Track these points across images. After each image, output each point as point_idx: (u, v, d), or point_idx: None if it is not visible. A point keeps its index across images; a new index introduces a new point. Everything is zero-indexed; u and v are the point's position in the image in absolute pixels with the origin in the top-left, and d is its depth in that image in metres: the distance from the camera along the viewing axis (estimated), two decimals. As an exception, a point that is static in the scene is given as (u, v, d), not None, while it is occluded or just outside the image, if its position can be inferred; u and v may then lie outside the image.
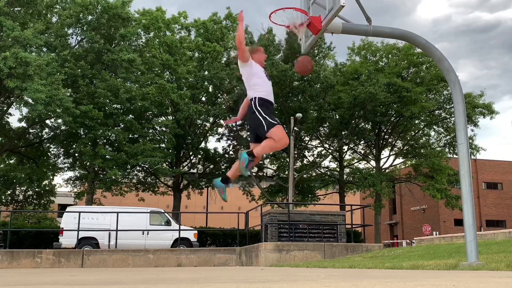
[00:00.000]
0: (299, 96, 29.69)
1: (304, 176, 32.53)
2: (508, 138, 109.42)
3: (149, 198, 31.82)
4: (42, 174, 27.79)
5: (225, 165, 31.96)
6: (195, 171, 32.05)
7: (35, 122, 27.24)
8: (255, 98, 5.15)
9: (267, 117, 5.02)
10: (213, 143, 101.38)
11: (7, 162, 28.26)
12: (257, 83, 5.21)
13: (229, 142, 31.89)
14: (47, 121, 27.98)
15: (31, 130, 28.71)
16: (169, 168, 29.53)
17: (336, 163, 36.06)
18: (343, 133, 32.41)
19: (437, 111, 32.97)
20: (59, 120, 26.52)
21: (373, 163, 34.68)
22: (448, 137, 33.61)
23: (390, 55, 33.81)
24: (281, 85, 28.41)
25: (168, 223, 20.01)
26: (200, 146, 31.36)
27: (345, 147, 35.25)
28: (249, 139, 5.48)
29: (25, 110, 25.86)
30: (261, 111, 5.06)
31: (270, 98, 5.22)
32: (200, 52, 31.37)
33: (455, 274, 4.34)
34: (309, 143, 34.21)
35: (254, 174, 31.17)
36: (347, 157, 36.54)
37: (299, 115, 26.78)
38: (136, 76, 27.60)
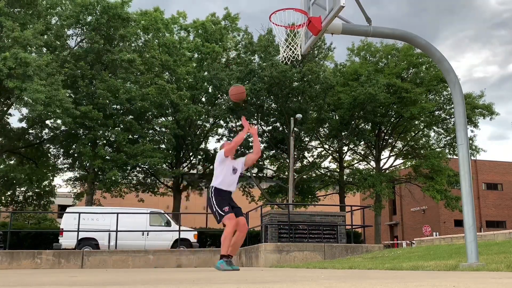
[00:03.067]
0: (299, 97, 29.70)
1: (304, 177, 32.52)
2: (508, 138, 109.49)
3: (149, 199, 31.81)
4: (42, 175, 27.76)
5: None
6: (195, 171, 32.04)
7: (35, 123, 27.23)
8: (213, 188, 6.01)
9: (219, 210, 5.89)
10: (213, 144, 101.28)
11: (7, 162, 28.25)
12: (219, 175, 6.07)
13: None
14: (47, 122, 27.98)
15: (31, 131, 28.68)
16: (169, 169, 29.53)
17: (336, 164, 36.06)
18: (343, 133, 32.41)
19: (437, 112, 32.97)
20: (59, 121, 26.50)
21: (373, 163, 34.68)
22: (448, 138, 33.60)
23: (389, 56, 33.81)
24: (281, 85, 28.41)
25: (168, 224, 20.00)
26: (200, 147, 31.36)
27: (345, 148, 35.26)
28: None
29: (25, 111, 25.89)
30: (215, 205, 5.93)
31: (230, 187, 6.06)
32: (199, 53, 31.38)
33: (455, 274, 4.35)
34: (309, 144, 34.22)
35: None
36: (347, 157, 36.57)
37: (299, 115, 26.79)
38: (136, 77, 27.60)
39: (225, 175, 6.03)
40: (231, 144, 6.06)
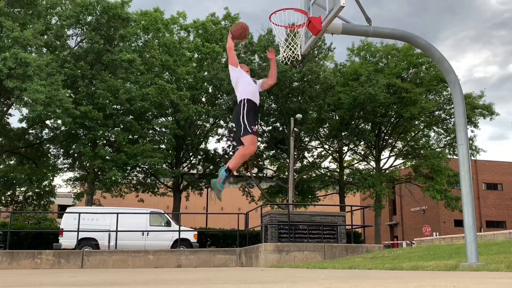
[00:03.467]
0: (299, 97, 29.69)
1: (304, 177, 32.51)
2: (508, 139, 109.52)
3: (149, 199, 31.82)
4: (42, 175, 27.76)
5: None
6: (195, 172, 32.03)
7: (35, 123, 27.23)
8: (243, 99, 5.58)
9: (247, 124, 5.39)
10: (213, 144, 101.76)
11: (7, 163, 28.25)
12: (241, 82, 5.66)
13: (229, 143, 31.90)
14: (47, 122, 27.97)
15: (31, 131, 28.67)
16: (169, 169, 29.52)
17: (336, 164, 36.05)
18: (343, 134, 32.39)
19: (437, 112, 32.96)
20: (59, 121, 26.50)
21: (373, 163, 34.66)
22: (448, 138, 33.59)
23: (389, 56, 33.80)
24: (281, 86, 28.40)
25: (168, 224, 20.00)
26: (200, 147, 31.35)
27: (345, 148, 35.24)
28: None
29: (25, 111, 25.87)
30: (244, 116, 5.45)
31: (255, 99, 5.66)
32: (199, 53, 31.38)
33: (455, 275, 4.35)
34: (309, 144, 34.20)
35: (254, 175, 31.18)
36: (347, 158, 36.54)
37: (299, 115, 26.77)
38: (136, 77, 27.60)
39: (247, 82, 5.63)
40: (228, 52, 5.68)
